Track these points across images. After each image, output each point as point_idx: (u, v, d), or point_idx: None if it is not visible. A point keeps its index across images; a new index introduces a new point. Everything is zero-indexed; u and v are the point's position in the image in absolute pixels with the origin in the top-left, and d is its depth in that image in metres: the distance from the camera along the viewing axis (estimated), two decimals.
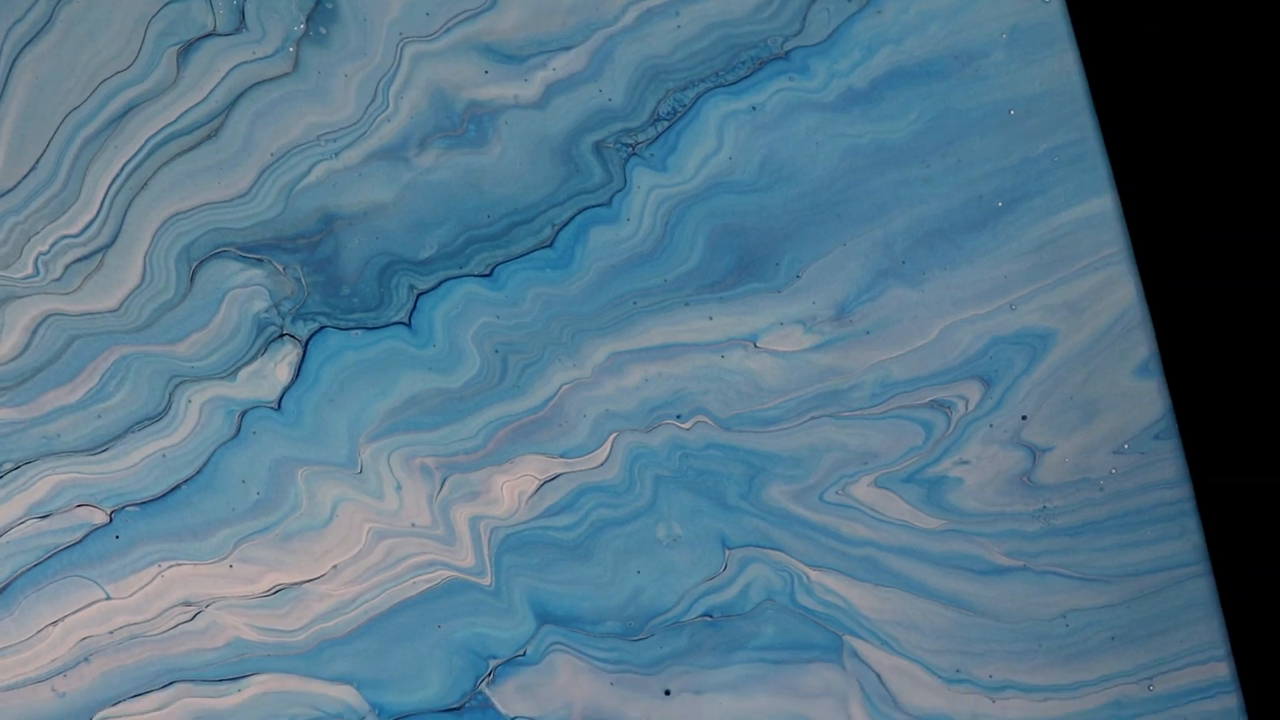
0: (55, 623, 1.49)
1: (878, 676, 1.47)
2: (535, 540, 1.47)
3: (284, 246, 1.45)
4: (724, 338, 1.45)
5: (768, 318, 1.45)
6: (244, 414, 1.46)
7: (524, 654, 1.48)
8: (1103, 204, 1.44)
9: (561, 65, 1.42)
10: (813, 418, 1.46)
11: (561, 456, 1.46)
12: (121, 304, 1.45)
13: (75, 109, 1.42)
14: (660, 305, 1.45)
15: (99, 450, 1.47)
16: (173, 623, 1.48)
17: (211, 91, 1.42)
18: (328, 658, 1.48)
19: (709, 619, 1.47)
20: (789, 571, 1.47)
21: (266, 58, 1.42)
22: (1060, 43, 1.41)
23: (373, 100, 1.42)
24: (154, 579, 1.48)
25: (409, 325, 1.45)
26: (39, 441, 1.47)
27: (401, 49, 1.41)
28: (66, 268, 1.45)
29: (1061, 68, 1.41)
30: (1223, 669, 1.46)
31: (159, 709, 1.49)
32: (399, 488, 1.47)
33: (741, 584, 1.47)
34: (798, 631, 1.47)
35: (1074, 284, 1.45)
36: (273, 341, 1.46)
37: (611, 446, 1.46)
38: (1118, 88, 1.54)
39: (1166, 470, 1.46)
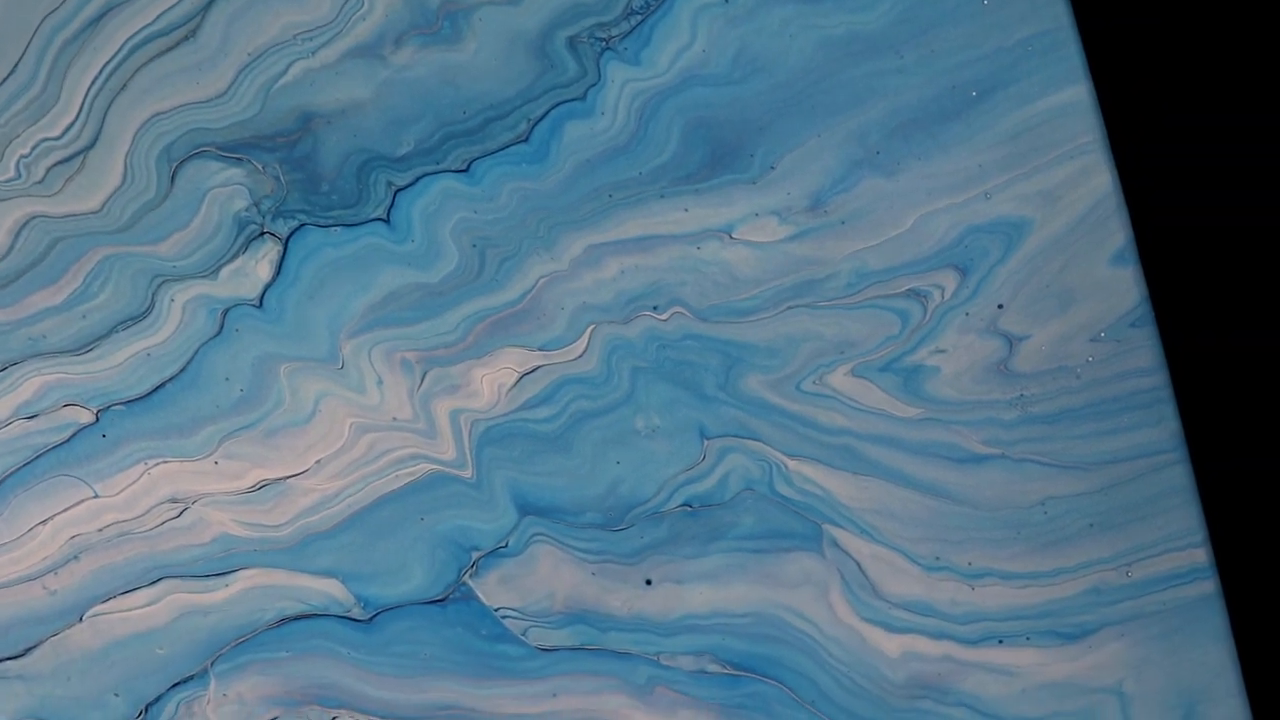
0: (45, 522, 1.51)
1: (858, 565, 1.48)
2: (515, 433, 1.48)
3: (263, 145, 1.46)
4: (699, 229, 1.46)
5: (743, 209, 1.46)
6: (226, 312, 1.48)
7: (506, 545, 1.49)
8: (1077, 93, 1.44)
9: None
10: (789, 308, 1.47)
11: (540, 349, 1.48)
12: (103, 205, 1.47)
13: (53, 12, 1.43)
14: (636, 198, 1.46)
15: (84, 350, 1.49)
16: (160, 520, 1.50)
17: None
18: (313, 552, 1.50)
19: (688, 509, 1.49)
20: (767, 461, 1.48)
21: None
22: None
23: None
24: (141, 477, 1.50)
25: (388, 221, 1.46)
26: (25, 343, 1.49)
27: None
28: (48, 170, 1.46)
29: None
30: (1201, 555, 1.47)
31: (148, 605, 1.51)
32: (380, 382, 1.48)
33: (720, 474, 1.48)
34: (777, 521, 1.48)
35: (1049, 173, 1.45)
36: (254, 240, 1.47)
37: (589, 339, 1.47)
38: None
39: (1143, 358, 1.46)
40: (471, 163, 1.46)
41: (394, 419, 1.49)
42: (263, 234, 1.47)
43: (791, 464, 1.48)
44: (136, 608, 1.52)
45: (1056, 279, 1.46)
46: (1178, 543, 1.47)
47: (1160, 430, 1.46)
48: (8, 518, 1.52)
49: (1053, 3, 1.42)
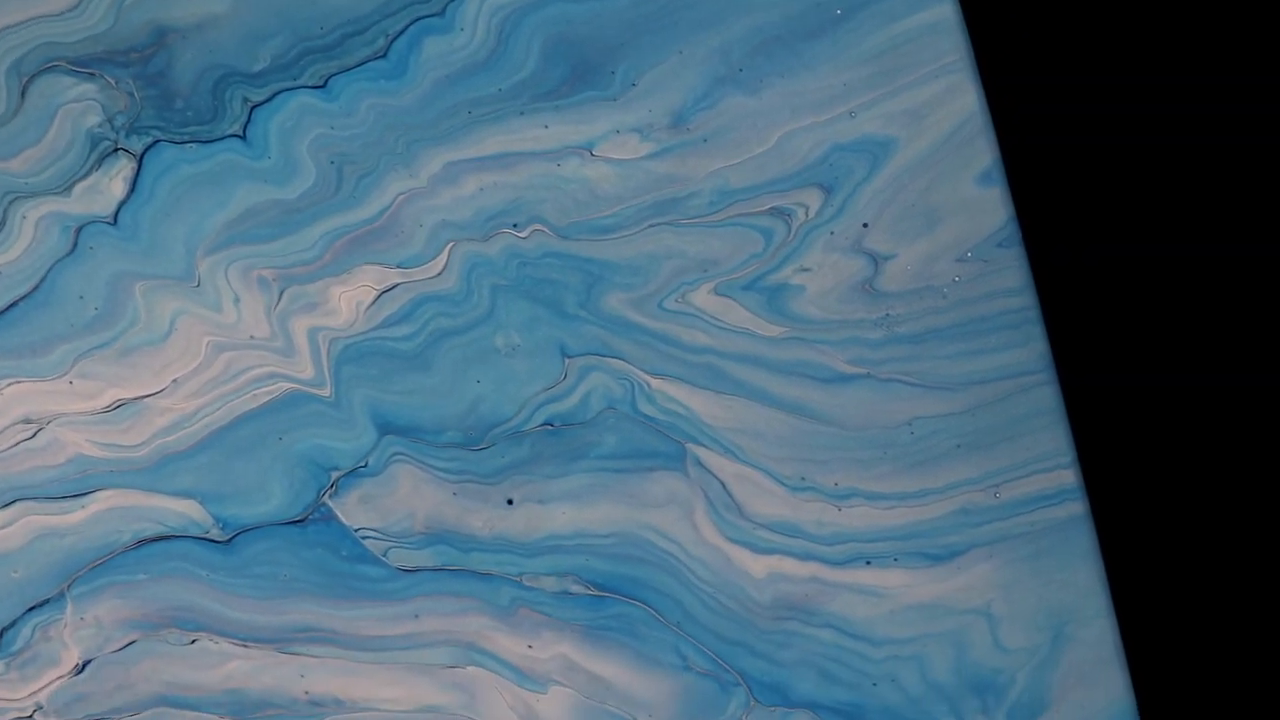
0: None
1: (722, 485, 1.48)
2: (374, 351, 1.47)
3: (116, 60, 1.44)
4: (560, 146, 1.45)
5: (604, 126, 1.44)
6: (80, 229, 1.46)
7: (365, 465, 1.48)
8: (943, 11, 1.44)
9: None
10: (650, 225, 1.45)
11: (399, 267, 1.46)
12: None
13: None
14: (495, 114, 1.44)
15: None
16: (13, 440, 1.48)
17: None
18: (170, 472, 1.48)
19: (550, 428, 1.48)
20: (629, 379, 1.47)
21: None
22: None
23: None
24: None
25: (244, 138, 1.45)
26: None
27: None
28: None
29: None
30: (1069, 476, 1.47)
31: (2, 527, 1.49)
32: (237, 300, 1.46)
33: (582, 392, 1.47)
34: (640, 440, 1.47)
35: (915, 91, 1.44)
36: (107, 156, 1.45)
37: (448, 256, 1.46)
38: None
39: (1010, 278, 1.46)
40: (329, 79, 1.44)
41: (251, 337, 1.47)
42: (116, 150, 1.45)
43: (654, 382, 1.47)
44: None
45: (922, 198, 1.45)
46: (1046, 464, 1.47)
47: (1028, 351, 1.46)
48: None
49: None
